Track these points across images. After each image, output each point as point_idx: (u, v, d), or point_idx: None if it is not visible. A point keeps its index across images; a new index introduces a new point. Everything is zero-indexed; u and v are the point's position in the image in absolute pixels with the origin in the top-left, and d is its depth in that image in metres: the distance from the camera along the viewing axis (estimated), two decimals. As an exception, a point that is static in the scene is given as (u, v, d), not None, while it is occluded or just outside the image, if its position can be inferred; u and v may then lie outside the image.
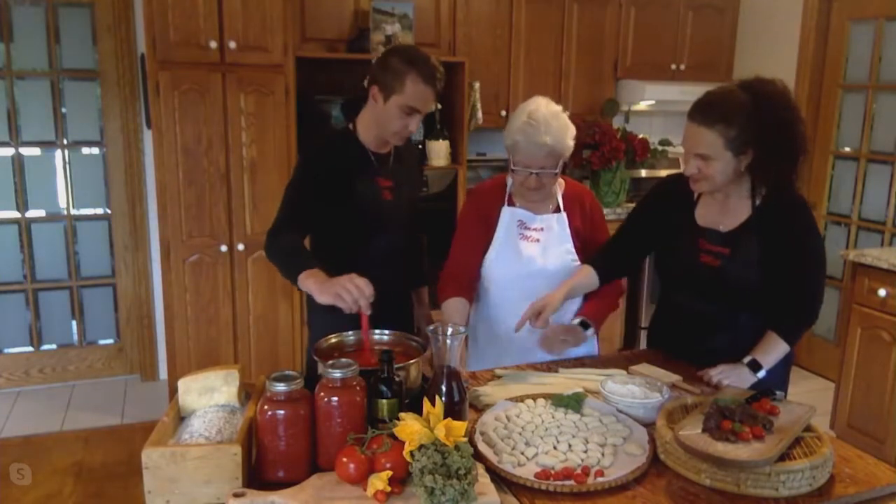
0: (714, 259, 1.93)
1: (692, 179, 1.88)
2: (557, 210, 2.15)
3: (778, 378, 1.97)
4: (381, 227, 2.10)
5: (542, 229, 2.13)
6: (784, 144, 1.78)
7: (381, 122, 2.00)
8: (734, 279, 1.90)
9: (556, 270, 2.11)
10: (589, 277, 2.06)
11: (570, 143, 2.02)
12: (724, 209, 1.94)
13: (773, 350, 1.88)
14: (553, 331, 2.01)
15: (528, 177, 2.01)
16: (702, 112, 1.80)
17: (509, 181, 2.16)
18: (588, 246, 2.16)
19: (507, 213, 2.14)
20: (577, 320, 2.08)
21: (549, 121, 1.96)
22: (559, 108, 2.03)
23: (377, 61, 1.99)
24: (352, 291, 1.64)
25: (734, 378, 1.84)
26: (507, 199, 2.16)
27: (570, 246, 2.14)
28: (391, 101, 1.94)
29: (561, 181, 2.16)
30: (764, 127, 1.75)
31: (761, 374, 1.87)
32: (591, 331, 2.08)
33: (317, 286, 1.71)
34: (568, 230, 2.14)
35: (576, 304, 2.18)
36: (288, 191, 2.04)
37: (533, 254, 2.11)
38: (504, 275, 2.14)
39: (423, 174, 2.39)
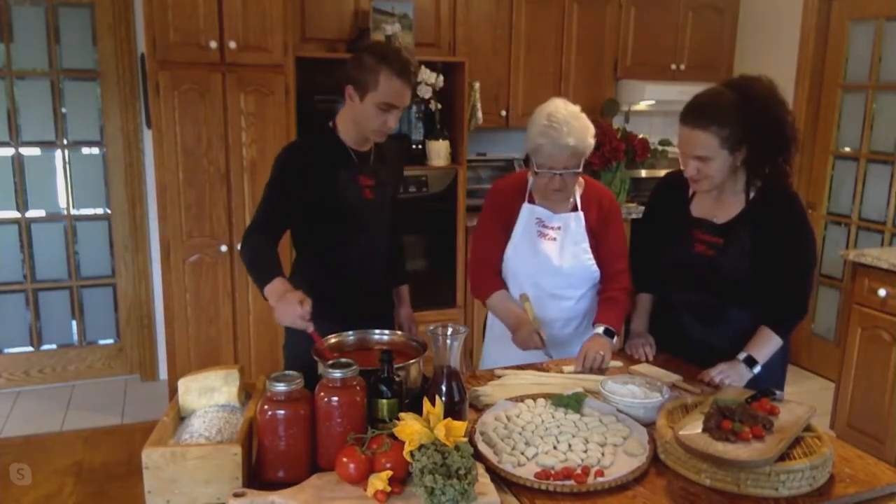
0: (708, 249, 1.97)
1: (692, 180, 1.93)
2: (575, 209, 2.17)
3: (776, 377, 1.98)
4: (362, 226, 2.08)
5: (559, 228, 2.15)
6: (775, 137, 1.84)
7: (359, 121, 1.98)
8: (727, 270, 1.95)
9: (571, 270, 2.14)
10: (649, 302, 2.17)
11: (592, 141, 2.04)
12: (719, 202, 1.99)
13: (766, 344, 1.92)
14: (600, 346, 1.99)
15: (552, 178, 2.03)
16: (695, 116, 1.85)
17: (530, 178, 2.18)
18: (600, 244, 2.16)
19: (526, 210, 2.16)
20: (600, 328, 2.05)
21: (570, 121, 1.98)
22: (577, 107, 2.04)
23: (350, 60, 1.96)
24: (288, 314, 1.67)
25: (733, 376, 1.86)
26: (527, 196, 2.18)
27: (585, 245, 2.15)
28: (367, 100, 1.92)
29: (581, 180, 2.17)
30: (755, 123, 1.81)
31: (757, 369, 1.90)
32: (615, 339, 2.08)
33: (273, 307, 1.73)
34: (584, 229, 2.15)
35: (585, 302, 2.20)
36: (265, 191, 2.01)
37: (549, 252, 2.14)
38: (520, 271, 2.16)
39: (402, 170, 2.36)
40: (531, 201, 2.17)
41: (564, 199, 2.14)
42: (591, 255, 2.15)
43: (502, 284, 2.18)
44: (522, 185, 2.20)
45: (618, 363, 2.03)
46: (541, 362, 2.04)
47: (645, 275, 2.16)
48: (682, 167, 1.95)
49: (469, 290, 4.07)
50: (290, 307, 1.67)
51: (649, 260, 2.13)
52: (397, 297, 2.36)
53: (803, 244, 1.93)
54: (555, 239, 2.14)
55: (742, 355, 1.90)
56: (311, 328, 1.67)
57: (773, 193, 1.93)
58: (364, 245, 2.09)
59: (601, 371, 1.95)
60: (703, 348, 2.00)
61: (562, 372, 1.96)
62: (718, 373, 1.87)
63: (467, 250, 4.05)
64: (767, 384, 1.75)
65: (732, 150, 1.84)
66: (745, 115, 1.81)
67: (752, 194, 1.95)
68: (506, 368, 1.99)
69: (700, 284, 2.00)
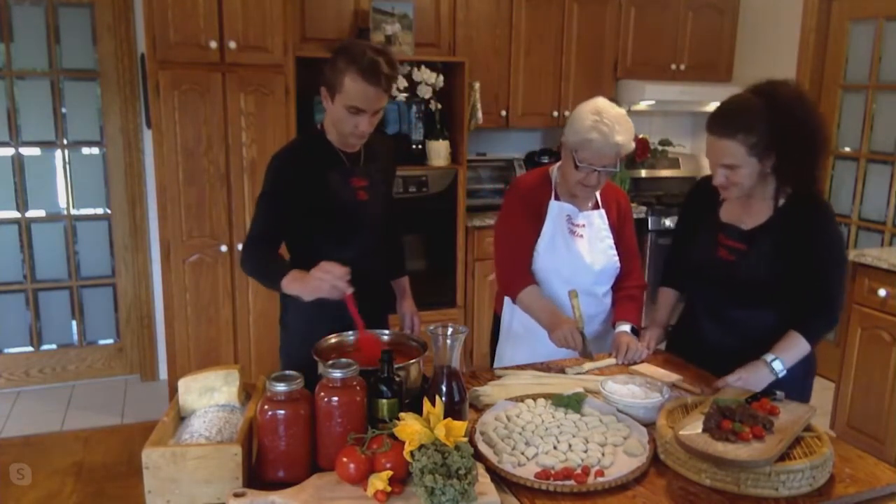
0: (729, 254, 1.96)
1: (721, 187, 1.90)
2: (597, 206, 2.21)
3: (800, 389, 1.93)
4: (357, 227, 2.06)
5: (584, 225, 2.18)
6: (803, 142, 1.80)
7: (335, 123, 1.97)
8: (745, 275, 1.92)
9: (602, 266, 2.18)
10: (672, 298, 2.21)
11: (633, 144, 2.08)
12: (748, 209, 1.96)
13: (793, 348, 1.86)
14: (632, 343, 2.06)
15: (590, 174, 2.05)
16: (722, 124, 1.82)
17: (553, 176, 2.19)
18: (619, 242, 2.21)
19: (555, 206, 2.17)
20: (627, 326, 2.12)
21: (620, 121, 2.01)
22: (622, 109, 2.07)
23: (328, 61, 1.93)
24: (326, 280, 1.69)
25: (751, 382, 1.80)
26: (553, 193, 2.19)
27: (610, 241, 2.19)
28: (336, 102, 1.90)
29: None
30: (782, 129, 1.77)
31: (782, 372, 1.84)
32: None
33: (300, 287, 1.76)
34: (608, 226, 2.20)
35: (609, 298, 2.23)
36: (259, 202, 1.99)
37: (581, 249, 2.16)
38: (552, 267, 2.17)
39: (395, 167, 2.32)
40: (557, 198, 2.19)
41: (590, 196, 2.18)
42: (615, 252, 2.20)
43: (533, 280, 2.16)
44: (546, 182, 2.20)
45: (613, 361, 2.04)
46: (541, 362, 2.04)
47: (676, 274, 2.19)
48: (711, 174, 1.93)
49: (468, 291, 4.10)
50: (323, 274, 1.69)
51: (680, 261, 2.15)
52: (398, 290, 2.35)
53: (833, 251, 1.89)
54: (582, 236, 2.17)
55: (769, 357, 1.84)
56: (349, 290, 1.69)
57: (802, 200, 1.89)
58: (358, 245, 2.07)
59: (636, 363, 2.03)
60: (718, 350, 1.97)
61: (563, 372, 1.97)
62: (736, 379, 1.82)
63: (467, 250, 4.05)
64: (791, 396, 1.71)
65: (761, 157, 1.80)
66: (772, 122, 1.77)
67: (781, 201, 1.91)
68: (506, 368, 1.99)
69: (719, 288, 1.98)
